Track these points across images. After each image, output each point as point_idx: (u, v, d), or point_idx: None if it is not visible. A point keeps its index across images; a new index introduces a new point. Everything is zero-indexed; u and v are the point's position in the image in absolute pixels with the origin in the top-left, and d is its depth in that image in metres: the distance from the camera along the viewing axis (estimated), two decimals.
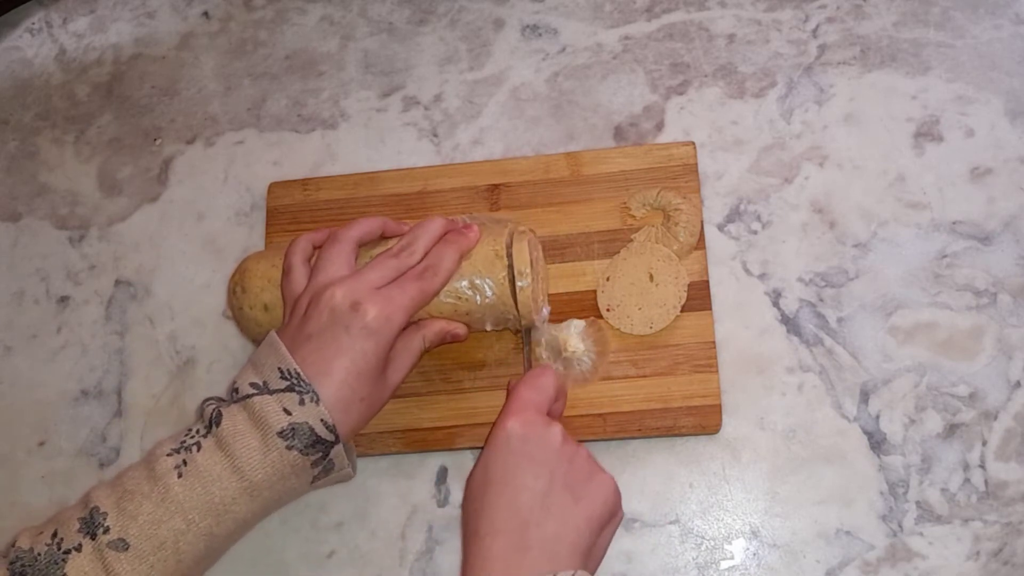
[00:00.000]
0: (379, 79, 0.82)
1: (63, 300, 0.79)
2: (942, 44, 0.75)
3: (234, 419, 0.57)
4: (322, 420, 0.56)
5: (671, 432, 0.67)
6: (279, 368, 0.58)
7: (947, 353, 0.68)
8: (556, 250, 0.72)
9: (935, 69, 0.75)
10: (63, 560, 0.54)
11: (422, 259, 0.63)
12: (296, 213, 0.76)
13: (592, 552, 0.57)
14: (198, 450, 0.56)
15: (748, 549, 0.66)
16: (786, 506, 0.66)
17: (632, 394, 0.68)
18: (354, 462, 0.63)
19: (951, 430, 0.66)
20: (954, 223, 0.71)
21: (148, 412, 0.75)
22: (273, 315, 0.66)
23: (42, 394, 0.77)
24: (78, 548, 0.54)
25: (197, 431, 0.58)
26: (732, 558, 0.66)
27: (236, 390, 0.58)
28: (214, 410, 0.58)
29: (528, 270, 0.64)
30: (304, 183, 0.77)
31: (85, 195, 0.82)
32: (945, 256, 0.70)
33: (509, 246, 0.64)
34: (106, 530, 0.55)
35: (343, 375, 0.57)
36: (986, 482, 0.65)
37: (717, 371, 0.68)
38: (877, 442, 0.67)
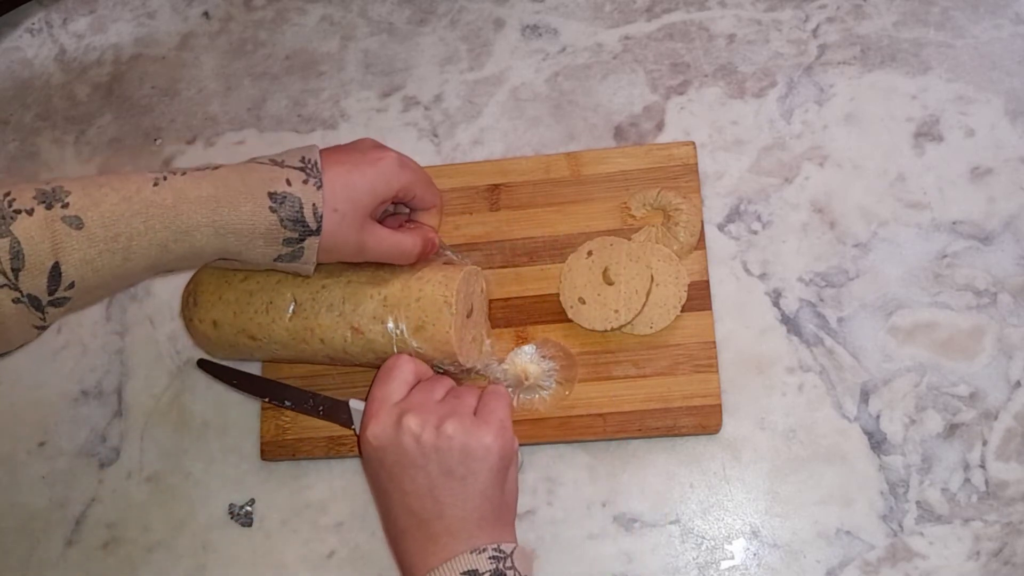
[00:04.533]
0: (379, 79, 0.82)
1: None
2: (942, 44, 0.75)
3: (236, 169, 0.57)
4: (314, 205, 0.57)
5: (671, 432, 0.67)
6: (303, 156, 0.59)
7: (947, 353, 0.68)
8: (556, 250, 0.72)
9: (935, 69, 0.75)
10: (12, 218, 0.52)
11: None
12: None
13: (504, 503, 0.59)
14: (183, 175, 0.56)
15: (748, 549, 0.66)
16: (786, 506, 0.66)
17: (632, 394, 0.68)
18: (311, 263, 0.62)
19: (951, 430, 0.66)
20: (954, 223, 0.71)
21: (148, 412, 0.75)
22: (222, 332, 0.66)
23: (42, 394, 0.77)
24: (30, 212, 0.52)
25: (190, 169, 0.57)
26: (732, 558, 0.66)
27: (253, 159, 0.59)
28: (217, 166, 0.58)
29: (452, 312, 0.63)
30: None
31: None
32: (945, 256, 0.70)
33: (459, 292, 0.64)
34: (65, 205, 0.53)
35: (347, 180, 0.59)
36: (986, 482, 0.65)
37: (717, 371, 0.68)
38: (877, 442, 0.67)
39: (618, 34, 0.80)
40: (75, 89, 0.86)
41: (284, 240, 0.58)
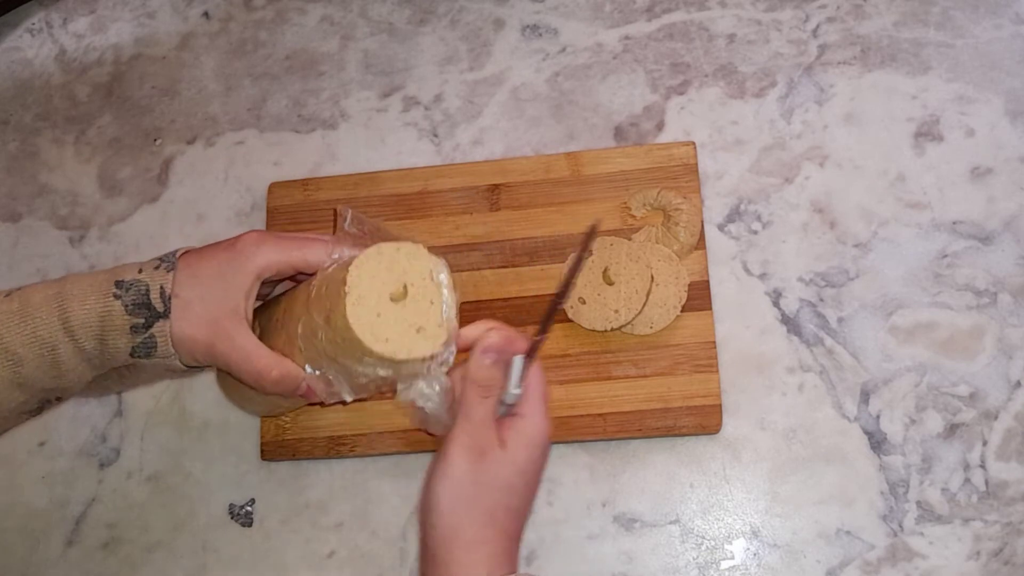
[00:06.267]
0: (379, 79, 0.82)
1: None
2: (942, 44, 0.75)
3: (94, 271, 0.57)
4: (162, 287, 0.55)
5: (672, 432, 0.67)
6: (168, 252, 0.58)
7: (947, 353, 0.68)
8: (556, 250, 0.72)
9: (935, 69, 0.75)
10: None
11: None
12: (296, 213, 0.76)
13: None
14: (39, 283, 0.56)
15: (748, 549, 0.66)
16: (786, 506, 0.66)
17: (633, 394, 0.68)
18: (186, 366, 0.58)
19: (951, 430, 0.66)
20: (954, 223, 0.71)
21: (148, 412, 0.75)
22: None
23: None
24: None
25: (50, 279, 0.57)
26: (732, 558, 0.66)
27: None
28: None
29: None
30: (304, 183, 0.77)
31: (85, 195, 0.82)
32: (945, 256, 0.70)
33: (359, 269, 0.54)
34: None
35: (194, 269, 0.56)
36: (986, 482, 0.65)
37: (717, 371, 0.68)
38: (877, 442, 0.67)
39: (618, 34, 0.80)
40: (75, 89, 0.86)
41: (132, 327, 0.55)
